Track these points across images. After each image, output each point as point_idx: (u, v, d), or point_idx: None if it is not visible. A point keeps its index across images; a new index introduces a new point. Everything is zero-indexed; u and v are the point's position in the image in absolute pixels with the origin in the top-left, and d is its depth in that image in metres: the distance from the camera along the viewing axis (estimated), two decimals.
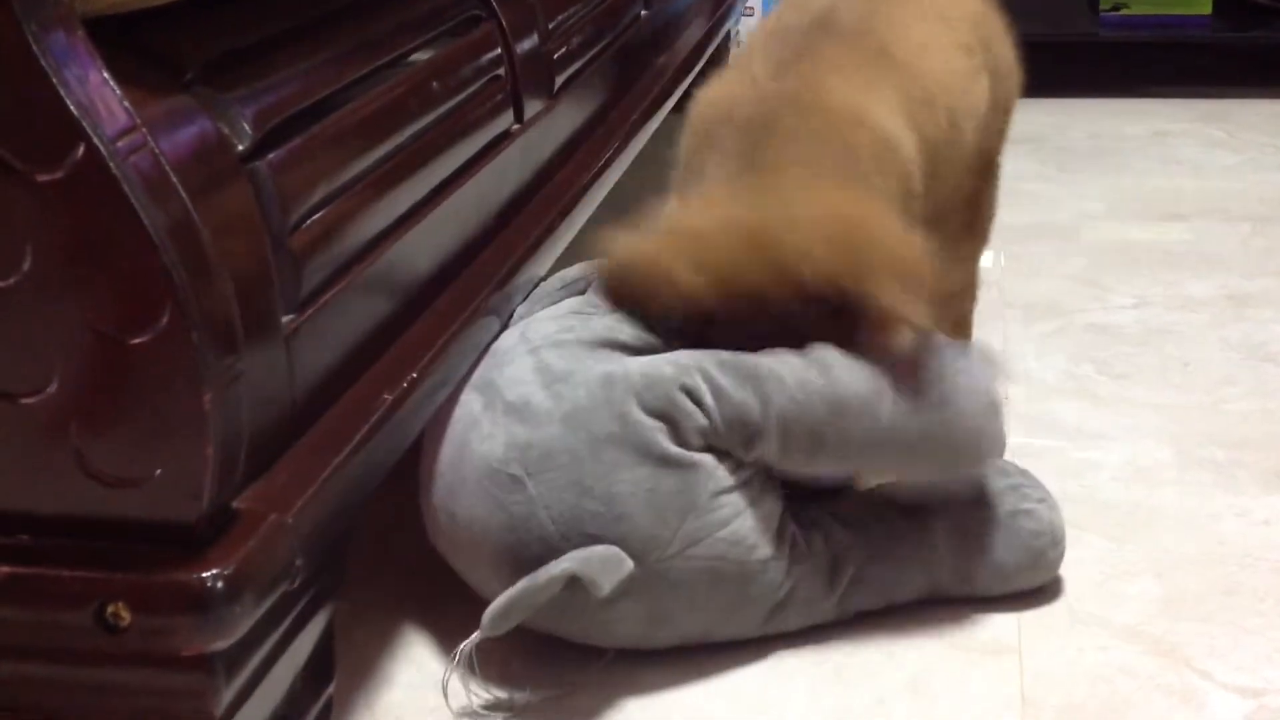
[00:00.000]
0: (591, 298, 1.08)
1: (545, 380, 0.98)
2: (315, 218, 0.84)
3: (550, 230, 1.23)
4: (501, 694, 0.96)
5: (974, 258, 1.32)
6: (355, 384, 0.88)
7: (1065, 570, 1.08)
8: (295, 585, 0.75)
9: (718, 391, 0.97)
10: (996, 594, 1.04)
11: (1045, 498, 1.06)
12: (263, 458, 0.77)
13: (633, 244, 1.04)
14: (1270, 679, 0.97)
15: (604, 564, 0.92)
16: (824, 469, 1.02)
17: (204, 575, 0.68)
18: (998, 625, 1.03)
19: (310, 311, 0.82)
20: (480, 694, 0.96)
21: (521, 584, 0.92)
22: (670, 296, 1.00)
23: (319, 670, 0.83)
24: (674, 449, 0.96)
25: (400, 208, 0.97)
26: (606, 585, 0.92)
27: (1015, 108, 1.31)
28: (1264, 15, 2.42)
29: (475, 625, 1.03)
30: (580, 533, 0.94)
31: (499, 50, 1.21)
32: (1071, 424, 1.31)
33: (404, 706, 0.96)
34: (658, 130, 1.76)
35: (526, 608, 0.92)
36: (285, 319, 0.79)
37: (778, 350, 0.99)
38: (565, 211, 1.28)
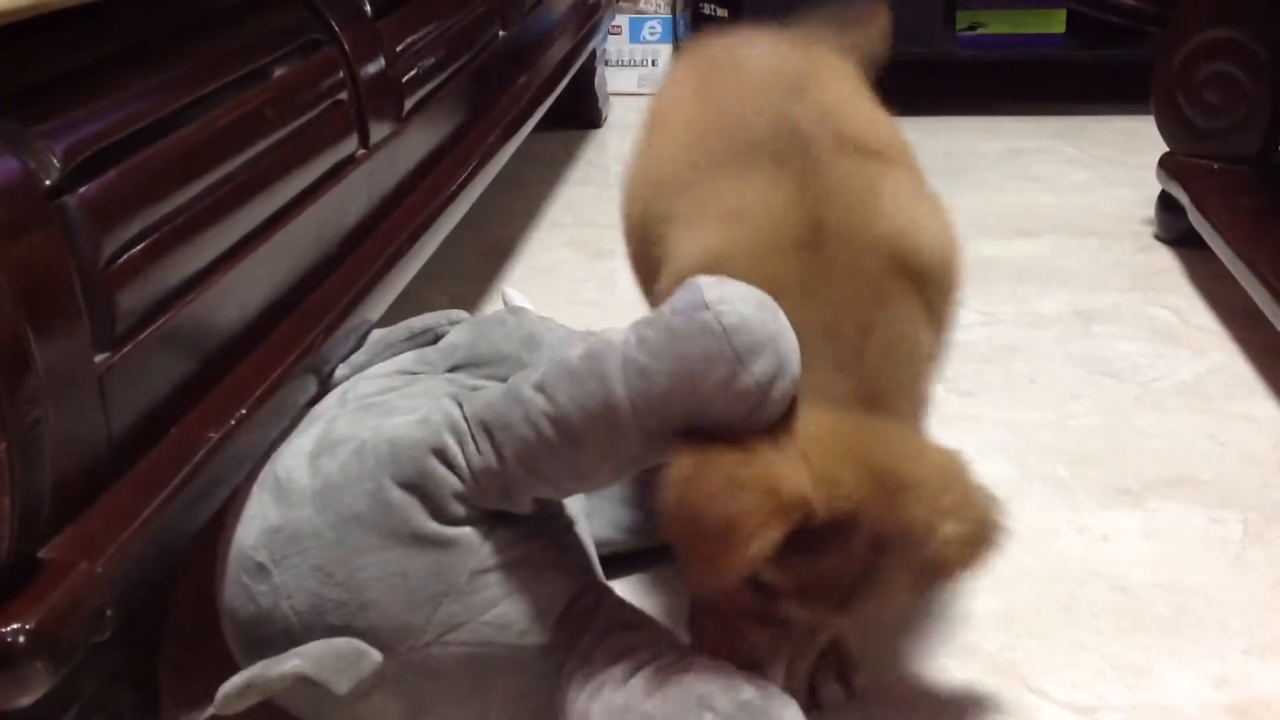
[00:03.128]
0: (429, 354, 1.03)
1: (315, 452, 0.91)
2: (132, 253, 0.81)
3: (398, 256, 1.22)
4: None
5: None
6: (179, 423, 0.86)
7: None
8: (107, 635, 0.72)
9: (467, 446, 0.88)
10: None
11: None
12: (73, 503, 0.74)
13: (721, 465, 0.80)
14: (1103, 695, 0.99)
15: (339, 660, 0.84)
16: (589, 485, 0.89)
17: (4, 630, 0.66)
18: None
19: (127, 349, 0.80)
20: None
21: (256, 668, 0.84)
22: (772, 526, 0.79)
23: (145, 716, 0.80)
24: (429, 525, 0.87)
25: (229, 239, 0.94)
26: (344, 683, 0.84)
27: None
28: (1116, 34, 2.48)
29: None
30: (323, 624, 0.86)
31: (341, 74, 1.19)
32: None
33: None
34: (518, 150, 1.75)
35: (261, 692, 0.84)
36: (98, 358, 0.77)
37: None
38: (415, 236, 1.27)
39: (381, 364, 1.02)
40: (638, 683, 0.84)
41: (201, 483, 0.83)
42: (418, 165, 1.38)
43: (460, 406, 0.90)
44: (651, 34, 2.71)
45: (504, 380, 0.95)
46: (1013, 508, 1.21)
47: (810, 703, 0.97)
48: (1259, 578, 1.12)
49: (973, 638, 1.05)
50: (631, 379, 0.82)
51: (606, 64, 2.63)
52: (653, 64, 2.71)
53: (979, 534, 0.86)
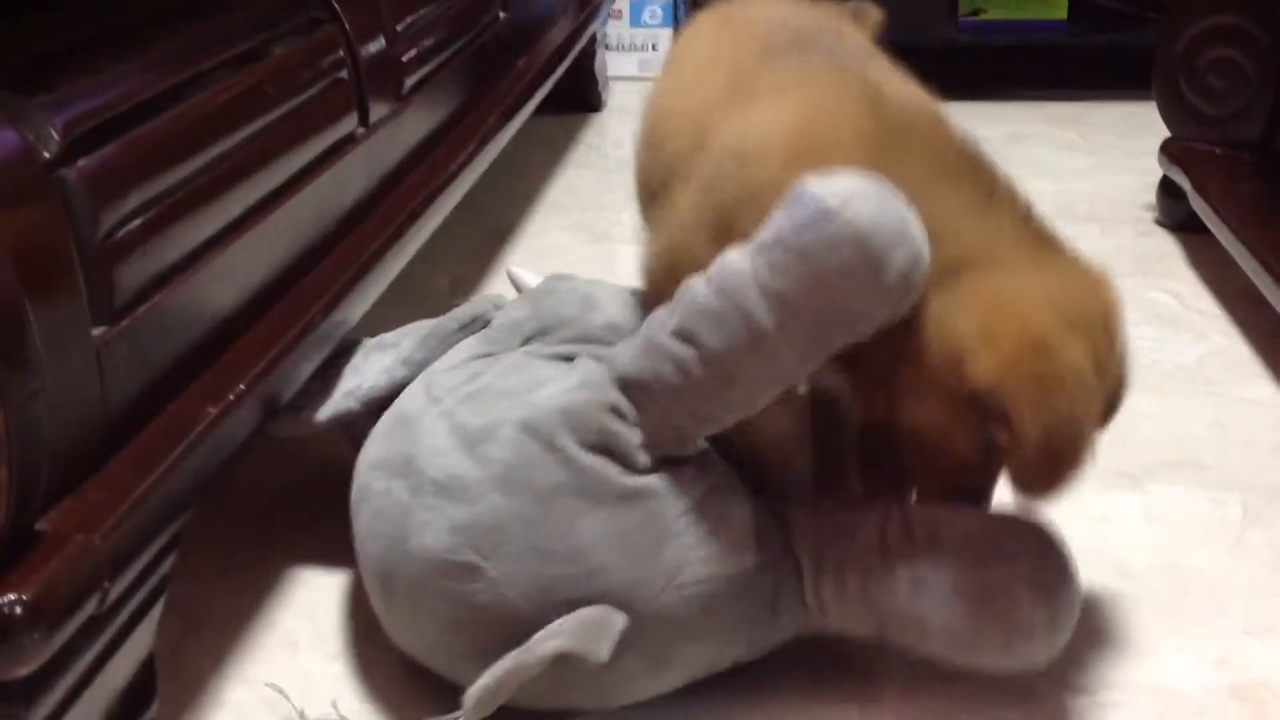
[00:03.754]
0: (492, 334, 1.02)
1: (466, 444, 0.90)
2: (130, 227, 0.81)
3: (398, 236, 1.21)
4: None
5: None
6: (177, 397, 0.86)
7: None
8: (105, 607, 0.72)
9: (635, 399, 0.89)
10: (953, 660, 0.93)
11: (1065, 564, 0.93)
12: (71, 475, 0.74)
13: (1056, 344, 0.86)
14: (1104, 675, 0.99)
15: (596, 629, 0.84)
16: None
17: (0, 601, 0.65)
18: None
19: (125, 323, 0.80)
20: None
21: (507, 663, 0.84)
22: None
23: (138, 694, 0.80)
24: (626, 481, 0.88)
25: (228, 215, 0.94)
26: (604, 650, 0.84)
27: None
28: (1117, 19, 2.48)
29: (313, 635, 1.02)
30: (556, 602, 0.85)
31: (341, 53, 1.19)
32: None
33: None
34: (518, 133, 1.75)
35: (511, 688, 0.84)
36: (96, 331, 0.77)
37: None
38: (414, 217, 1.27)
39: (448, 357, 1.01)
40: (917, 549, 0.90)
41: (199, 457, 0.83)
42: (417, 145, 1.38)
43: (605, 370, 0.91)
44: (652, 18, 2.70)
45: (576, 343, 0.99)
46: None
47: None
48: (1259, 559, 1.12)
49: None
50: (774, 307, 0.83)
51: (607, 48, 2.63)
52: (653, 48, 2.70)
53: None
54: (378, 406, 1.03)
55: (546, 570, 0.86)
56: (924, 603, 0.90)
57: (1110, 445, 1.29)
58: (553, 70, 1.94)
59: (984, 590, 0.89)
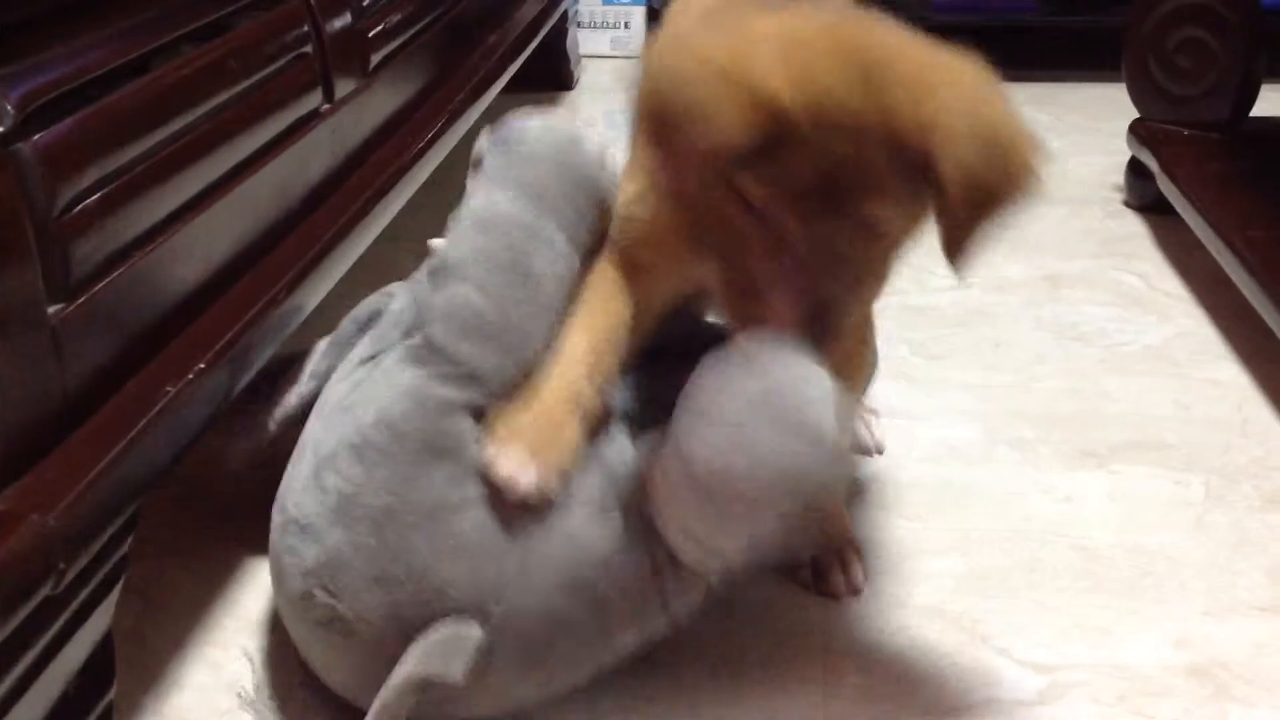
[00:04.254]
0: (381, 331, 0.98)
1: (314, 474, 0.88)
2: (87, 203, 0.80)
3: (362, 214, 1.20)
4: None
5: None
6: (136, 376, 0.85)
7: (870, 550, 1.10)
8: (61, 588, 0.72)
9: (452, 369, 0.87)
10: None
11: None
12: (27, 455, 0.73)
13: (694, 47, 0.78)
14: (1065, 654, 1.00)
15: (444, 648, 0.83)
16: None
17: None
18: (800, 605, 1.04)
19: (82, 300, 0.79)
20: None
21: (376, 705, 0.82)
22: (739, 116, 0.75)
23: (97, 676, 0.80)
24: (453, 489, 0.85)
25: (189, 192, 0.93)
26: (458, 668, 0.83)
27: None
28: (1088, 1, 2.48)
29: (274, 617, 1.01)
30: (409, 625, 0.83)
31: (306, 27, 1.17)
32: (884, 404, 1.32)
33: (194, 710, 0.93)
34: (487, 111, 1.74)
35: (396, 717, 0.83)
36: (52, 309, 0.76)
37: None
38: (380, 194, 1.26)
39: (341, 366, 0.99)
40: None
41: (158, 437, 0.82)
42: (383, 122, 1.37)
43: (416, 344, 0.89)
44: None
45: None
46: (977, 470, 1.23)
47: (817, 587, 1.05)
48: (1220, 540, 1.13)
49: (936, 597, 1.05)
50: (525, 199, 0.91)
51: (579, 25, 2.61)
52: (625, 26, 2.68)
53: (993, 152, 0.79)
54: (295, 422, 1.00)
55: (392, 597, 0.84)
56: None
57: (1075, 426, 1.30)
58: (523, 47, 1.92)
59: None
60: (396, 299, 1.02)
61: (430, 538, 0.84)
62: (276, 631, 1.01)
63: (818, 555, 1.05)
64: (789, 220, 0.80)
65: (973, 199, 0.79)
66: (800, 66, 0.77)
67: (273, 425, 1.04)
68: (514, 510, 0.85)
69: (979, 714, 0.94)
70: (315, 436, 0.92)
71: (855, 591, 1.05)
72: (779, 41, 0.78)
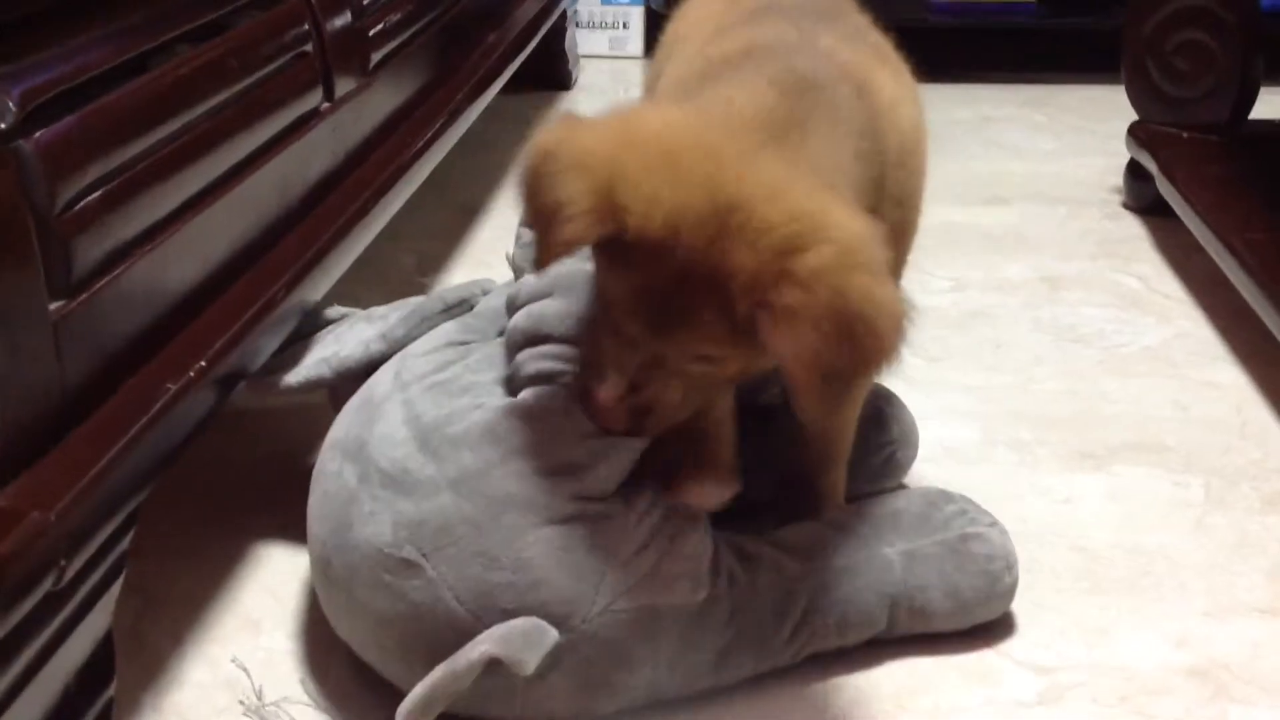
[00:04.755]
0: (472, 321, 1.01)
1: (421, 437, 0.89)
2: (88, 200, 0.80)
3: (362, 213, 1.20)
4: None
5: None
6: (136, 373, 0.85)
7: None
8: (62, 585, 0.71)
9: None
10: (953, 629, 0.99)
11: (994, 522, 1.02)
12: (27, 451, 0.73)
13: (573, 133, 0.79)
14: (1064, 655, 1.00)
15: (525, 639, 0.83)
16: None
17: None
18: None
19: (83, 297, 0.79)
20: None
21: (438, 672, 0.83)
22: (585, 216, 0.76)
23: (97, 672, 0.80)
24: (578, 501, 0.87)
25: (189, 190, 0.93)
26: (532, 662, 0.83)
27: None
28: (1087, 2, 2.48)
29: (275, 614, 1.01)
30: (493, 608, 0.84)
31: (306, 26, 1.17)
32: None
33: (194, 707, 0.93)
34: (486, 111, 1.74)
35: (447, 696, 0.83)
36: (53, 306, 0.76)
37: None
38: (380, 194, 1.26)
39: (425, 339, 1.00)
40: None
41: (159, 434, 0.82)
42: (383, 121, 1.37)
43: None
44: None
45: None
46: (976, 471, 1.23)
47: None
48: (1220, 541, 1.13)
49: None
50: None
51: (578, 25, 2.61)
52: (624, 26, 2.68)
53: (841, 335, 0.73)
54: (353, 376, 1.02)
55: (489, 577, 0.85)
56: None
57: (1074, 427, 1.30)
58: (522, 47, 1.93)
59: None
60: (496, 296, 1.04)
61: (543, 538, 0.86)
62: (277, 631, 1.01)
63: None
64: (626, 319, 0.81)
65: (808, 378, 0.74)
66: (659, 185, 0.76)
67: (328, 371, 1.05)
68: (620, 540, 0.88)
69: (979, 714, 0.94)
70: (404, 401, 0.92)
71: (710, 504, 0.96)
72: (654, 151, 0.77)
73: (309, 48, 1.17)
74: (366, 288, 1.07)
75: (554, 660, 0.85)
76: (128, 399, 0.82)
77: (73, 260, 0.78)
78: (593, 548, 0.86)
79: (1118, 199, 1.92)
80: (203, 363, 0.88)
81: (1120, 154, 1.90)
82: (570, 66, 2.50)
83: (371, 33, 1.33)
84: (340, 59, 1.23)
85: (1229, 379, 1.41)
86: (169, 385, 0.84)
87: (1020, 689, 0.96)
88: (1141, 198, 1.86)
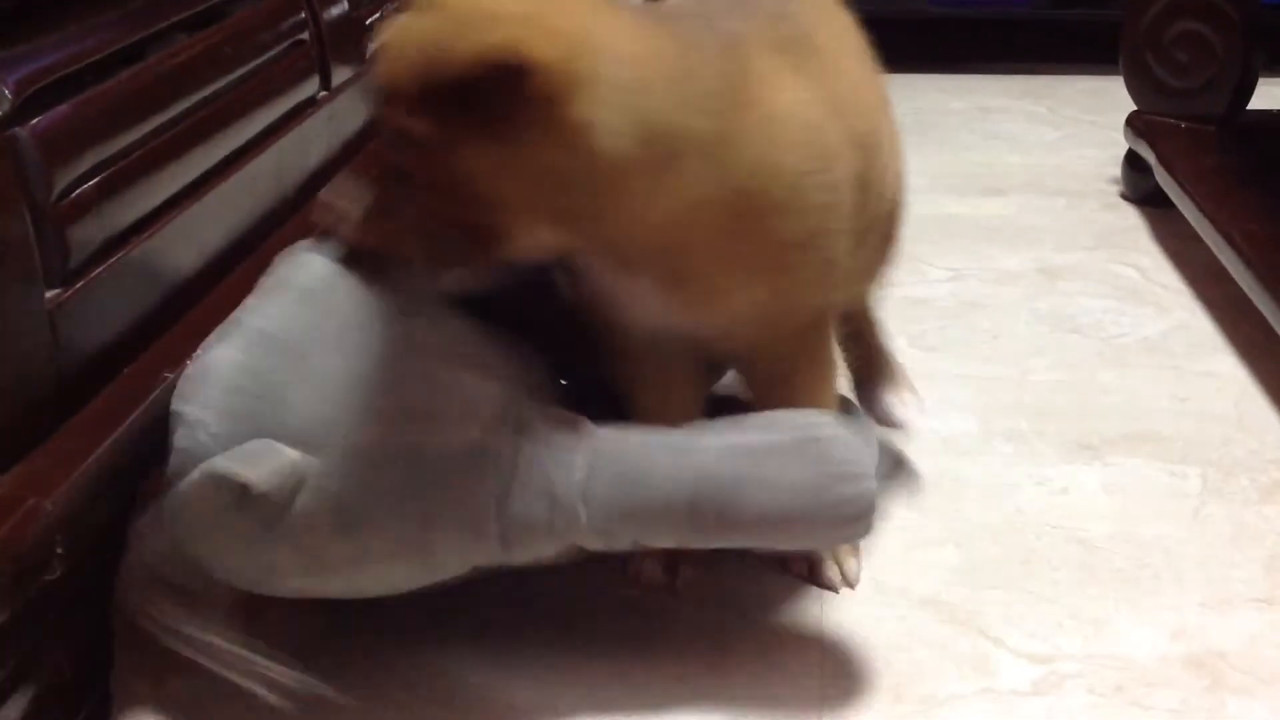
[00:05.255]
0: None
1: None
2: (85, 188, 0.80)
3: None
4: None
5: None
6: (133, 361, 0.85)
7: (865, 541, 1.09)
8: (58, 574, 0.71)
9: None
10: (781, 547, 0.92)
11: (861, 432, 0.91)
12: (24, 439, 0.73)
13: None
14: (1060, 645, 0.99)
15: (257, 454, 0.78)
16: None
17: None
18: (797, 596, 1.04)
19: (79, 286, 0.79)
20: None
21: (167, 504, 0.79)
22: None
23: (95, 660, 0.80)
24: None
25: (186, 177, 0.93)
26: (264, 475, 0.77)
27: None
28: None
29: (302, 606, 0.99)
30: (240, 435, 0.79)
31: (303, 14, 1.17)
32: None
33: (192, 695, 0.92)
34: None
35: (194, 515, 0.78)
36: (50, 293, 0.76)
37: None
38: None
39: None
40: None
41: (155, 423, 0.82)
42: None
43: None
44: None
45: None
46: (973, 462, 1.23)
47: (812, 579, 1.05)
48: (1217, 532, 1.13)
49: (932, 588, 1.05)
50: None
51: None
52: None
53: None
54: None
55: (235, 406, 0.80)
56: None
57: (1071, 418, 1.30)
58: None
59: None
60: None
61: (296, 366, 0.81)
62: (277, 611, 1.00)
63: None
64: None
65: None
66: None
67: None
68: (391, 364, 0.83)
69: (975, 704, 0.94)
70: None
71: (850, 584, 1.05)
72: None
73: (306, 36, 1.17)
74: None
75: (298, 481, 0.79)
76: (124, 387, 0.82)
77: (69, 248, 0.78)
78: (348, 374, 0.82)
79: (1116, 190, 1.91)
80: (199, 351, 0.88)
81: (1118, 145, 1.89)
82: None
83: (368, 21, 1.33)
84: (337, 48, 1.23)
85: (1227, 370, 1.41)
86: (166, 373, 0.84)
87: (1016, 679, 0.96)
88: (1140, 189, 1.85)
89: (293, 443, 0.80)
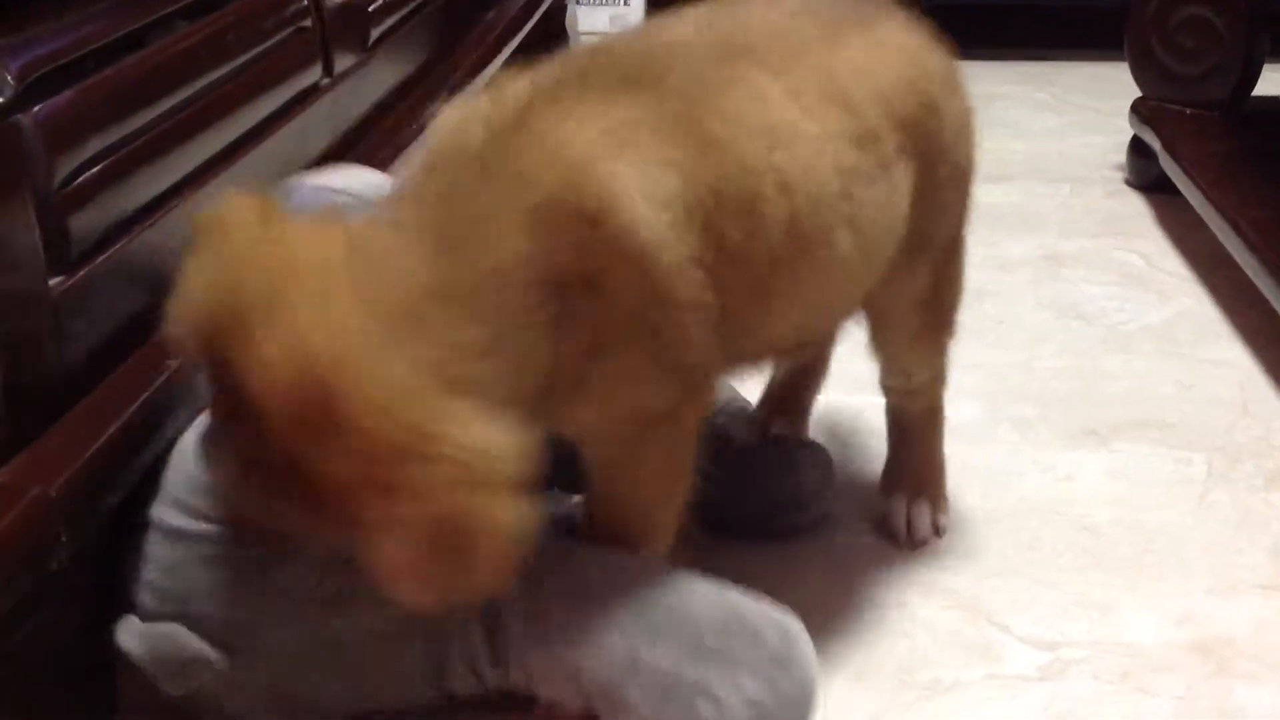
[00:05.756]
0: None
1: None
2: (87, 175, 0.79)
3: None
4: None
5: (940, 349, 1.09)
6: (137, 350, 0.84)
7: (873, 528, 1.10)
8: (62, 562, 0.71)
9: None
10: None
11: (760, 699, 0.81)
12: (27, 427, 0.73)
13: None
14: (1065, 631, 0.99)
15: (167, 646, 0.78)
16: None
17: None
18: (801, 583, 1.04)
19: (82, 273, 0.78)
20: None
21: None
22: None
23: (97, 651, 0.79)
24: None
25: (189, 164, 0.93)
26: (166, 675, 0.78)
27: (972, 172, 1.08)
28: None
29: None
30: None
31: (305, 2, 1.16)
32: None
33: None
34: (485, 85, 1.73)
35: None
36: (53, 281, 0.75)
37: None
38: (380, 170, 1.25)
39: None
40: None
41: (158, 411, 0.81)
42: (382, 98, 1.36)
43: None
44: None
45: None
46: (979, 449, 1.22)
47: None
48: (1222, 518, 1.13)
49: (938, 574, 1.05)
50: None
51: (578, 2, 2.60)
52: (624, 3, 2.67)
53: (432, 519, 0.67)
54: None
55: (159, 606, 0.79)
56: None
57: (1076, 405, 1.30)
58: (522, 24, 1.92)
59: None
60: None
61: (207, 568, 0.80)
62: None
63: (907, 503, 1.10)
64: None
65: (403, 584, 0.70)
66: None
67: None
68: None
69: (981, 690, 0.94)
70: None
71: (916, 542, 1.09)
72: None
73: (308, 23, 1.16)
74: None
75: (211, 677, 0.79)
76: (127, 375, 0.81)
77: (72, 235, 0.77)
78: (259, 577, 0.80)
79: (1120, 176, 1.91)
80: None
81: (1123, 131, 1.89)
82: (571, 44, 2.49)
83: (371, 8, 1.32)
84: (340, 35, 1.23)
85: (1231, 356, 1.40)
86: (170, 362, 0.84)
87: (1022, 664, 0.96)
88: (1144, 175, 1.85)
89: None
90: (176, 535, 0.80)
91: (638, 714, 0.80)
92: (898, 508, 1.10)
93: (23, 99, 0.75)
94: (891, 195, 0.93)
